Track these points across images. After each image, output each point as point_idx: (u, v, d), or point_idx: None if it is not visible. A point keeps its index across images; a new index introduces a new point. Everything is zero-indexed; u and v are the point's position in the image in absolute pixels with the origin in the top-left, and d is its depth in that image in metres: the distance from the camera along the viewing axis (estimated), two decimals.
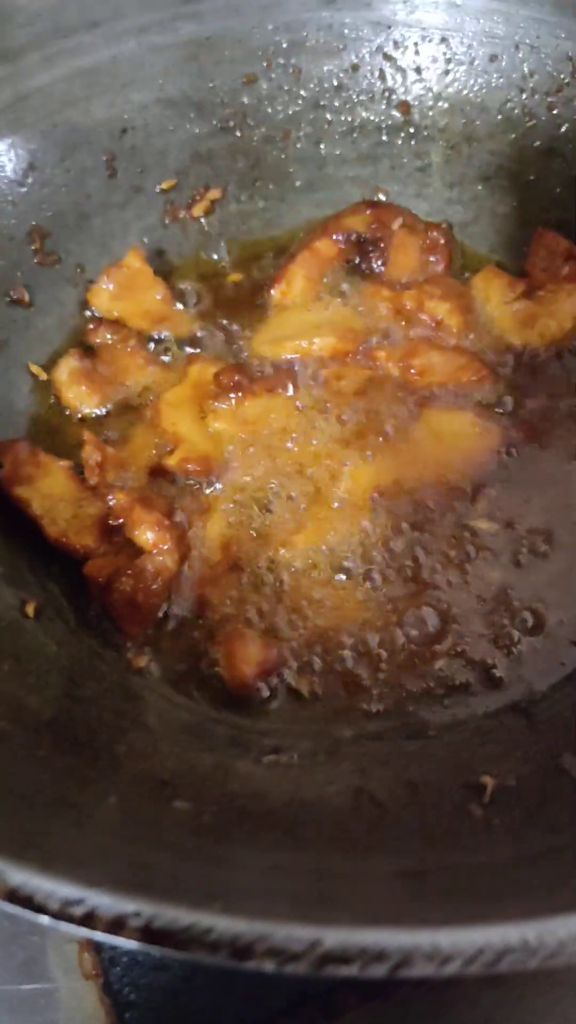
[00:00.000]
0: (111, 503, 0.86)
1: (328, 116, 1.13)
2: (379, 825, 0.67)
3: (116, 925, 0.42)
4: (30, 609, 0.81)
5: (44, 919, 0.42)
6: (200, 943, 0.42)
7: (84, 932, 0.42)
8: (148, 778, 0.69)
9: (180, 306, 1.06)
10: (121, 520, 0.86)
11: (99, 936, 0.42)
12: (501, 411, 0.96)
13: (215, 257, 1.12)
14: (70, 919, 0.42)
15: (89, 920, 0.42)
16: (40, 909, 0.43)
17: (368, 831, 0.66)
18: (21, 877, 0.43)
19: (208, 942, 0.42)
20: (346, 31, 1.10)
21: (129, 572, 0.82)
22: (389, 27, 1.10)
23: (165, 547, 0.83)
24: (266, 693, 0.82)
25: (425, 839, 0.65)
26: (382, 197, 1.15)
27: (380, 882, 0.57)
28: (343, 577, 0.87)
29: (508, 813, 0.66)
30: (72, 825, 0.58)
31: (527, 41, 1.06)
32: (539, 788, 0.69)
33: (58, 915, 0.42)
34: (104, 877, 0.46)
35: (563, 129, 1.06)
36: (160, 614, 0.85)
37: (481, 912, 0.46)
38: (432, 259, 1.07)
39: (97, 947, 0.79)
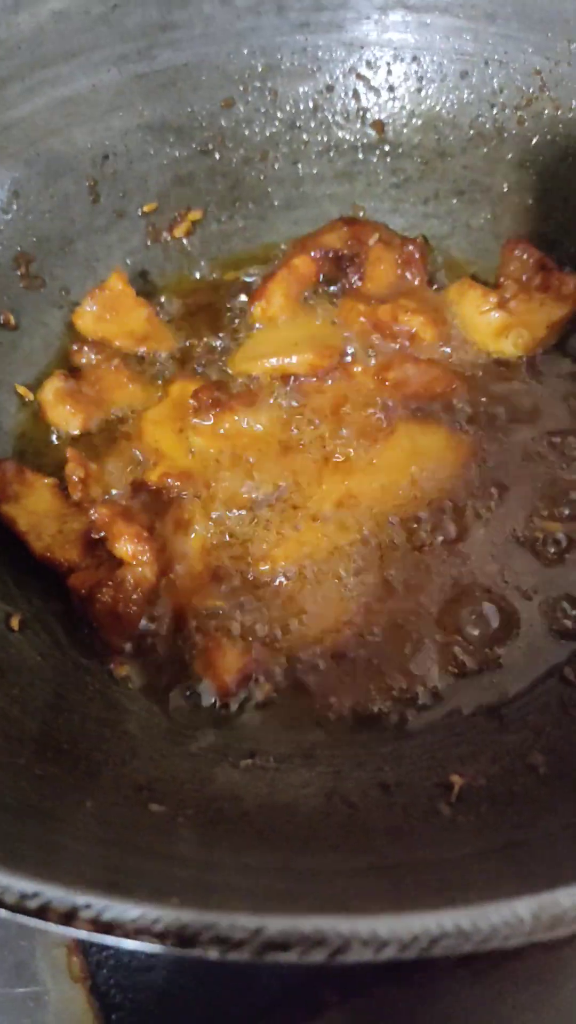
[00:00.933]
0: (93, 517, 0.88)
1: (305, 136, 1.16)
2: (349, 825, 0.69)
3: (68, 917, 0.44)
4: (15, 622, 0.84)
5: (1, 912, 0.44)
6: (148, 932, 0.44)
7: (40, 924, 0.44)
8: (125, 783, 0.71)
9: (163, 326, 1.09)
10: (103, 534, 0.88)
11: (53, 928, 0.44)
12: (474, 422, 0.97)
13: (197, 276, 1.15)
14: (25, 911, 0.44)
15: (43, 912, 0.44)
16: None
17: (338, 831, 0.68)
18: None
19: (155, 932, 0.44)
20: (320, 53, 1.13)
21: (110, 583, 0.84)
22: (362, 47, 1.13)
23: (144, 558, 0.85)
24: (245, 699, 0.83)
25: (393, 837, 0.67)
26: (360, 214, 1.17)
27: (343, 878, 0.59)
28: (321, 587, 0.89)
29: (474, 811, 0.68)
30: (45, 829, 0.60)
31: (496, 57, 1.08)
32: (506, 786, 0.70)
33: (15, 908, 0.45)
34: (64, 874, 0.48)
35: (533, 142, 1.09)
36: (142, 625, 0.87)
37: (432, 902, 0.48)
38: (408, 273, 1.09)
39: (85, 951, 0.81)
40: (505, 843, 0.61)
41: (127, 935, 0.44)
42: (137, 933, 0.44)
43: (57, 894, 0.45)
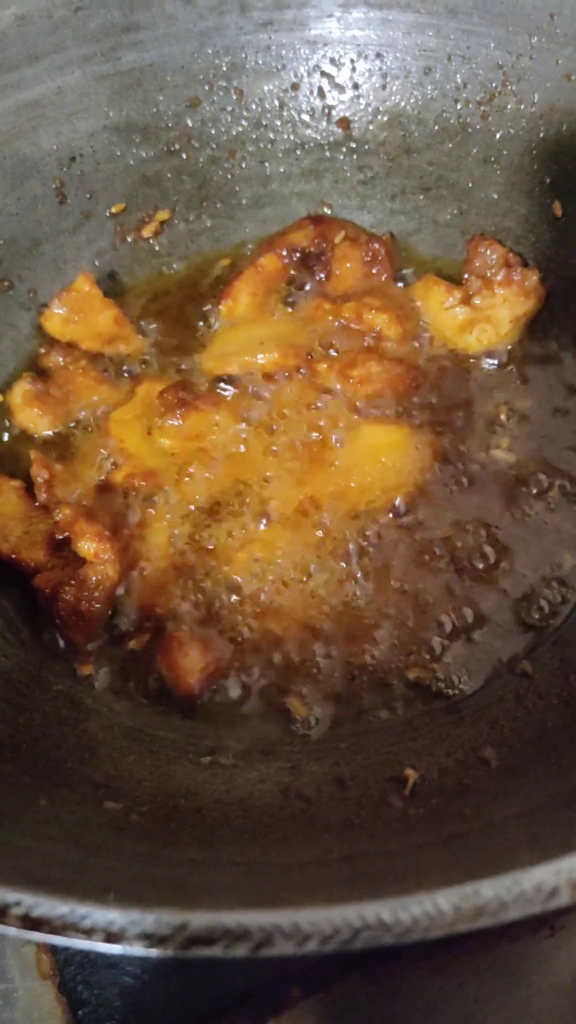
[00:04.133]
0: (57, 518, 0.89)
1: (271, 135, 1.16)
2: (301, 819, 0.69)
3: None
4: None
5: None
6: (76, 928, 0.45)
7: None
8: (82, 781, 0.72)
9: (130, 327, 1.09)
10: (67, 534, 0.89)
11: None
12: (438, 419, 0.98)
13: (165, 276, 1.15)
14: None
15: None
16: None
17: (290, 825, 0.69)
18: None
19: (84, 928, 0.45)
20: (284, 51, 1.14)
21: (73, 582, 0.85)
22: (325, 45, 1.13)
23: (106, 556, 0.86)
24: (208, 697, 0.84)
25: (343, 831, 0.67)
26: (327, 211, 1.17)
27: (285, 871, 0.59)
28: (285, 587, 0.89)
29: (425, 803, 0.69)
30: None
31: (458, 52, 1.09)
32: (457, 779, 0.71)
33: None
34: (2, 872, 0.49)
35: (497, 136, 1.09)
36: (106, 624, 0.88)
37: (365, 895, 0.48)
38: (374, 270, 1.09)
39: (53, 948, 0.82)
40: (449, 835, 0.61)
41: (54, 932, 0.45)
42: (64, 929, 0.45)
43: None
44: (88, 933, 0.45)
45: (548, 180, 1.05)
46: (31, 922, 0.45)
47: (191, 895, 0.51)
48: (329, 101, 1.15)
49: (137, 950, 0.44)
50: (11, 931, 0.45)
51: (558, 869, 0.45)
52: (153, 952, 0.44)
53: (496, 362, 1.02)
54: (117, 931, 0.45)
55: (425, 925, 0.44)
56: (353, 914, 0.44)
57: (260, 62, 1.14)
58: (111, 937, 0.45)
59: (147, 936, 0.44)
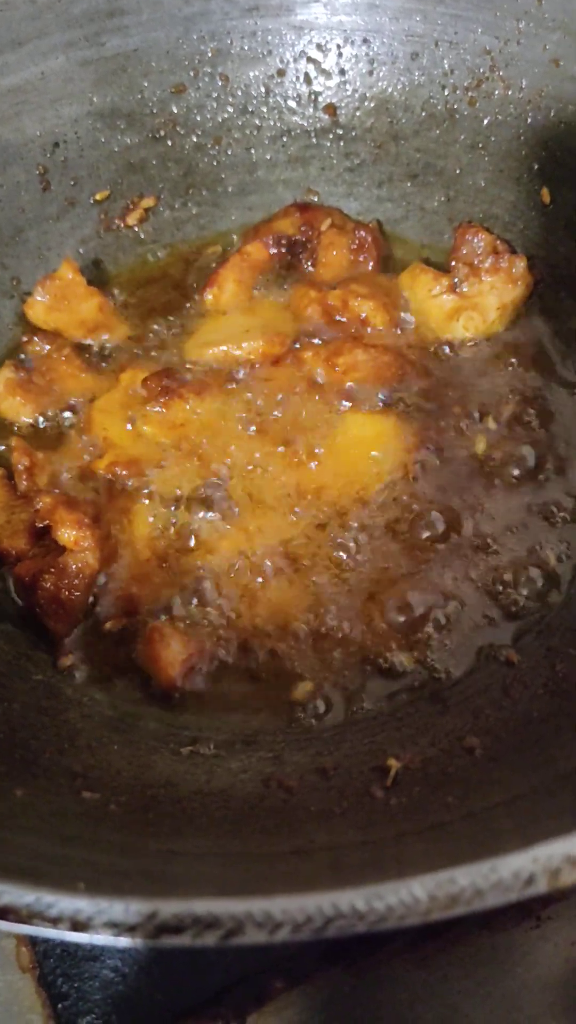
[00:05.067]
0: (38, 506, 0.88)
1: (257, 121, 1.15)
2: (283, 809, 0.69)
3: None
4: None
5: None
6: (42, 917, 0.44)
7: None
8: (60, 772, 0.71)
9: (114, 314, 1.08)
10: (47, 522, 0.88)
11: None
12: (424, 406, 0.97)
13: (150, 264, 1.14)
14: None
15: None
16: None
17: (271, 815, 0.68)
18: None
19: (50, 916, 0.44)
20: (270, 37, 1.13)
21: (52, 570, 0.84)
22: (312, 30, 1.12)
23: (86, 544, 0.85)
24: (190, 687, 0.83)
25: (323, 820, 0.66)
26: (314, 198, 1.16)
27: (265, 861, 0.58)
28: (267, 575, 0.88)
29: (407, 793, 0.68)
30: None
31: (446, 38, 1.08)
32: (441, 769, 0.70)
33: None
34: None
35: (485, 123, 1.08)
36: (88, 614, 0.87)
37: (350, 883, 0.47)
38: (361, 258, 1.08)
39: (32, 941, 0.81)
40: (432, 824, 0.60)
41: (21, 920, 0.44)
42: (30, 918, 0.44)
43: None
44: (54, 922, 0.44)
45: (536, 167, 1.04)
46: None
47: (167, 885, 0.50)
48: (315, 87, 1.14)
49: (104, 938, 0.43)
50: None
51: (535, 856, 0.44)
52: (121, 941, 0.43)
53: (483, 349, 1.01)
54: (84, 920, 0.44)
55: (400, 913, 0.43)
56: (326, 902, 0.43)
57: (246, 48, 1.13)
58: (77, 926, 0.44)
59: (115, 924, 0.44)
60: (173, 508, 0.92)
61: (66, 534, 0.85)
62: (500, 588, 0.85)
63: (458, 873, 0.44)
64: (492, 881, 0.44)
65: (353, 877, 0.51)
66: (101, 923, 0.43)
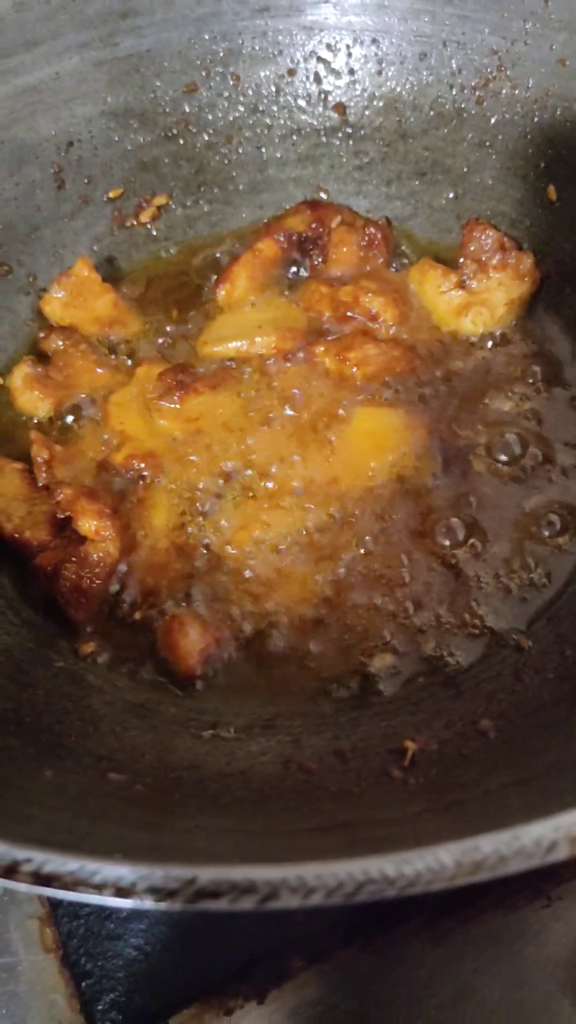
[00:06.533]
0: (59, 498, 0.90)
1: (268, 120, 1.17)
2: (303, 789, 0.71)
3: (10, 870, 0.46)
4: None
5: None
6: (87, 884, 0.46)
7: None
8: (86, 754, 0.73)
9: (129, 310, 1.10)
10: (68, 513, 0.90)
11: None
12: (434, 400, 0.99)
13: (163, 261, 1.16)
14: None
15: None
16: None
17: (291, 795, 0.70)
18: None
19: (94, 883, 0.46)
20: (280, 37, 1.14)
21: (74, 560, 0.86)
22: (321, 31, 1.14)
23: (107, 534, 0.87)
24: (209, 674, 0.85)
25: (343, 800, 0.68)
26: (323, 196, 1.18)
27: (289, 837, 0.60)
28: (283, 564, 0.90)
29: (425, 773, 0.70)
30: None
31: (454, 38, 1.09)
32: (456, 751, 0.72)
33: None
34: (10, 833, 0.50)
35: (492, 121, 1.10)
36: (108, 603, 0.89)
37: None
38: (371, 254, 1.10)
39: (57, 922, 0.83)
40: (449, 803, 0.62)
41: (65, 887, 0.46)
42: (76, 885, 0.46)
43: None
44: (99, 888, 0.46)
45: (543, 165, 1.06)
46: (42, 878, 0.46)
47: (197, 857, 0.52)
48: (325, 87, 1.16)
49: (147, 904, 0.45)
50: (22, 887, 0.46)
51: (557, 824, 0.46)
52: (162, 906, 0.45)
53: (491, 345, 1.03)
54: (127, 886, 0.46)
55: (427, 879, 0.45)
56: (357, 868, 0.45)
57: (257, 48, 1.15)
58: (121, 892, 0.46)
59: (156, 890, 0.46)
60: (190, 499, 0.94)
61: (88, 524, 0.87)
62: (510, 575, 0.87)
63: (482, 841, 0.46)
64: (515, 848, 0.46)
65: (375, 850, 0.54)
66: (143, 888, 0.45)
